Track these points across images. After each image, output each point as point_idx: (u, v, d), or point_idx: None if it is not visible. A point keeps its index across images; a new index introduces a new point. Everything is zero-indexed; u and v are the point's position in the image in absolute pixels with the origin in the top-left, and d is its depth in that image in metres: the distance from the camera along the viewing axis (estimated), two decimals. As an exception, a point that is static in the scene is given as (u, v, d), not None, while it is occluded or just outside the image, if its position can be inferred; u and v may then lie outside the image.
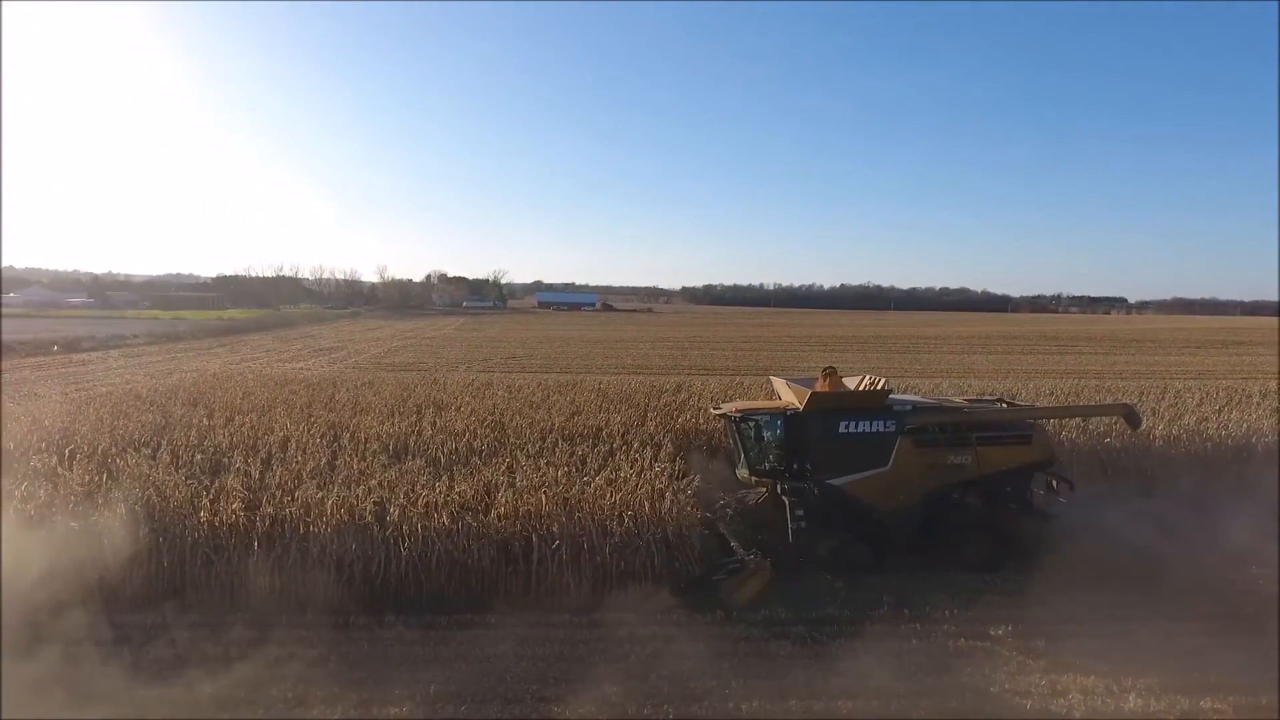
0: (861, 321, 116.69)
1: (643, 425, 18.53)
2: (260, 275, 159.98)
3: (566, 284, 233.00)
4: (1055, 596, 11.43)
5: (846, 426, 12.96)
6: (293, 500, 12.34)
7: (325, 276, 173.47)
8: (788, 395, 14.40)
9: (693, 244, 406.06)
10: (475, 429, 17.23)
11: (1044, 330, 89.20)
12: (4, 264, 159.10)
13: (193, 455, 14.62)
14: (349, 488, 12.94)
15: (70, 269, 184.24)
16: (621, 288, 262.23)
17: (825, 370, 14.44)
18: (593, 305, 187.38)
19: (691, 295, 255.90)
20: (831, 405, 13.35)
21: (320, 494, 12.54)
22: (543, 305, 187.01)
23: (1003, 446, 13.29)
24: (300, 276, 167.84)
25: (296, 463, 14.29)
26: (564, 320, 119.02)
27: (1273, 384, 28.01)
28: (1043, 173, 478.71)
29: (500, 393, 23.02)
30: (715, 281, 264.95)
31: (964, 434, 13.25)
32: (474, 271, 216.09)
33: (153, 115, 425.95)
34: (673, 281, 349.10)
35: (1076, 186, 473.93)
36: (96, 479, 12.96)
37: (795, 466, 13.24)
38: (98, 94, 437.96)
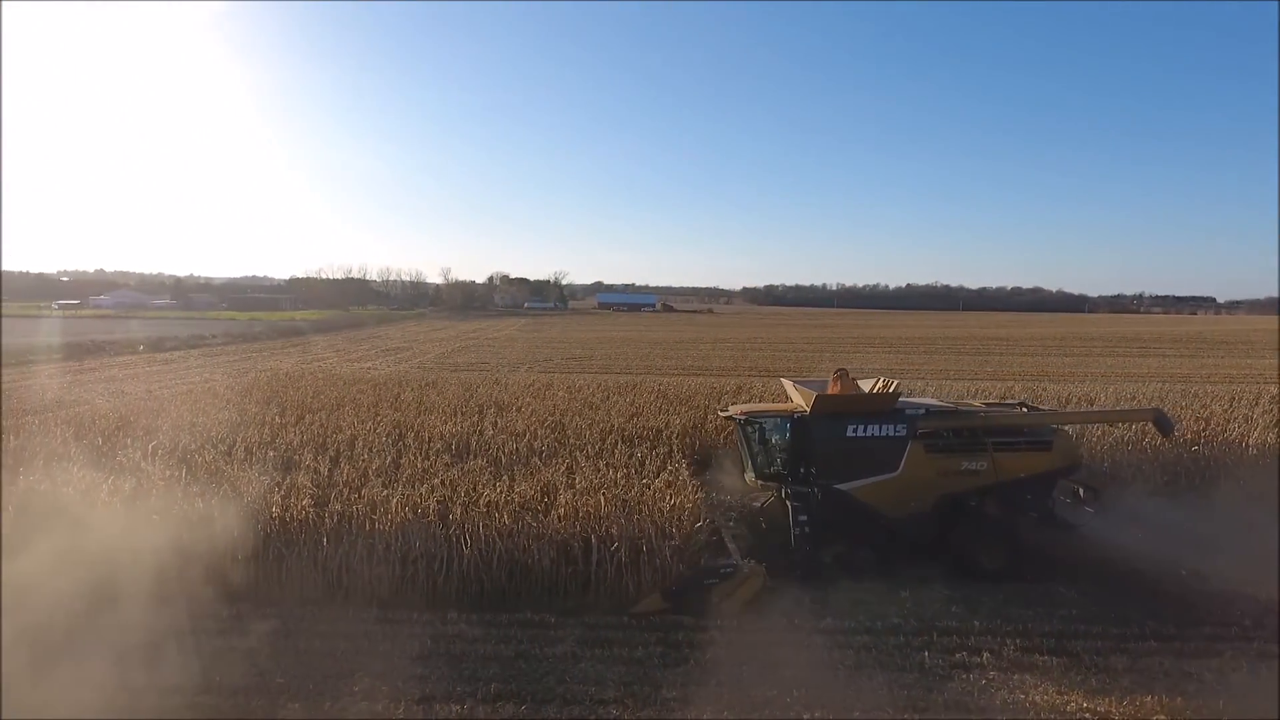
0: (928, 322, 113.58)
1: (702, 428, 18.39)
2: (330, 278, 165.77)
3: (626, 285, 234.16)
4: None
5: (855, 430, 12.67)
6: (359, 497, 12.62)
7: (392, 279, 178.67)
8: (796, 398, 14.08)
9: (753, 244, 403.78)
10: (536, 429, 17.36)
11: (1124, 331, 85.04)
12: (96, 267, 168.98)
13: (265, 452, 15.12)
14: (413, 486, 13.19)
15: (155, 272, 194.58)
16: (681, 288, 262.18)
17: (837, 372, 14.19)
18: (652, 306, 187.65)
19: (752, 296, 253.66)
20: (839, 408, 13.06)
21: (385, 492, 12.80)
22: (603, 306, 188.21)
23: (1020, 453, 12.80)
24: (368, 279, 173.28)
25: (363, 461, 14.66)
26: (624, 321, 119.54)
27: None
28: (1121, 169, 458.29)
29: (560, 393, 23.16)
30: (776, 282, 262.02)
31: (979, 439, 12.82)
32: (535, 273, 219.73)
33: (226, 126, 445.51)
34: (733, 282, 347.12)
35: (1158, 183, 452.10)
36: (176, 473, 13.51)
37: (802, 471, 12.97)
38: (177, 108, 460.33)
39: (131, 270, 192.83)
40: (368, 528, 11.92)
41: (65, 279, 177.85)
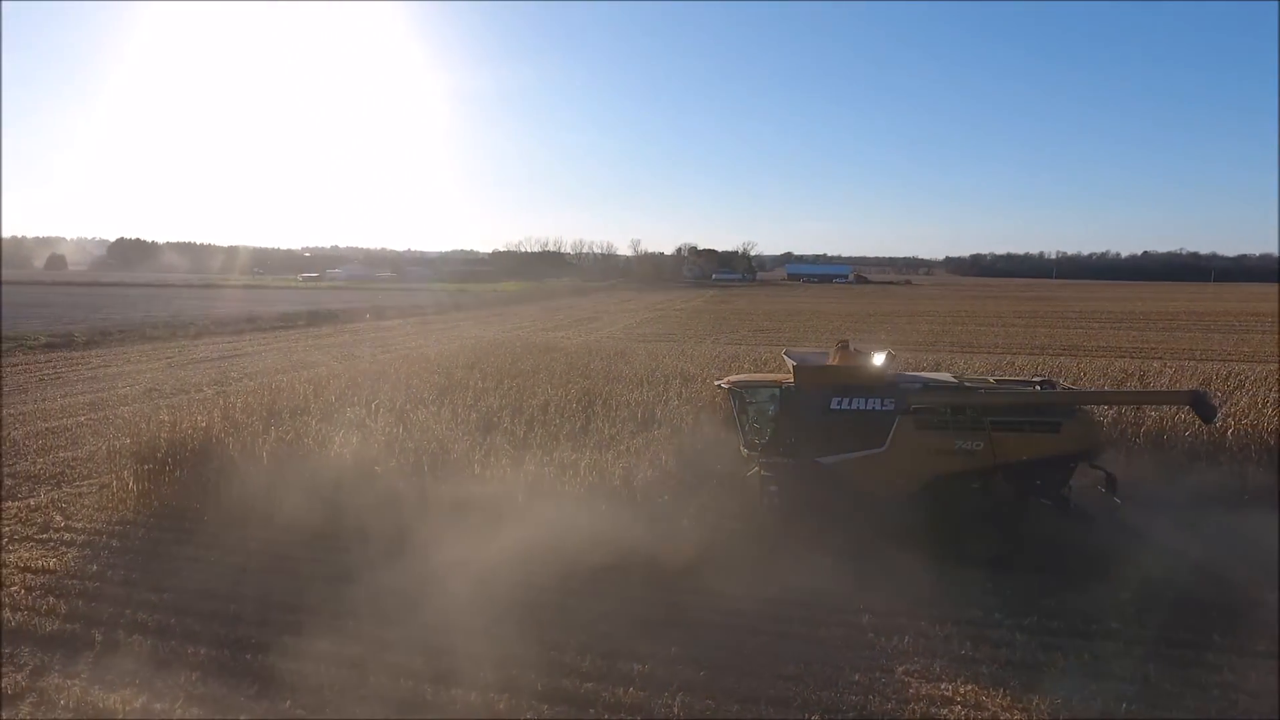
0: (1172, 295, 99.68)
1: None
2: (530, 251, 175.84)
3: (817, 255, 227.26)
4: None
5: (839, 403, 12.01)
6: (551, 460, 13.13)
7: (584, 251, 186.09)
8: (788, 369, 13.06)
9: (957, 210, 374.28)
10: (720, 401, 17.13)
11: None
12: (331, 244, 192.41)
13: (469, 414, 16.15)
14: (599, 451, 13.52)
15: (380, 247, 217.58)
16: (876, 259, 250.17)
17: (839, 344, 13.55)
18: (845, 277, 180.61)
19: (956, 266, 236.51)
20: (823, 380, 12.38)
21: (574, 456, 13.22)
22: (792, 278, 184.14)
23: (1023, 434, 11.58)
24: (563, 251, 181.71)
25: (555, 425, 15.26)
26: (814, 293, 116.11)
27: None
28: None
29: (747, 365, 22.74)
30: (984, 250, 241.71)
31: (976, 418, 11.65)
32: (723, 244, 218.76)
33: (438, 117, 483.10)
34: (934, 251, 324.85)
35: None
36: (394, 430, 14.81)
37: (787, 443, 12.36)
38: (396, 105, 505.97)
39: (360, 246, 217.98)
40: (558, 489, 12.36)
41: (308, 254, 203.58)
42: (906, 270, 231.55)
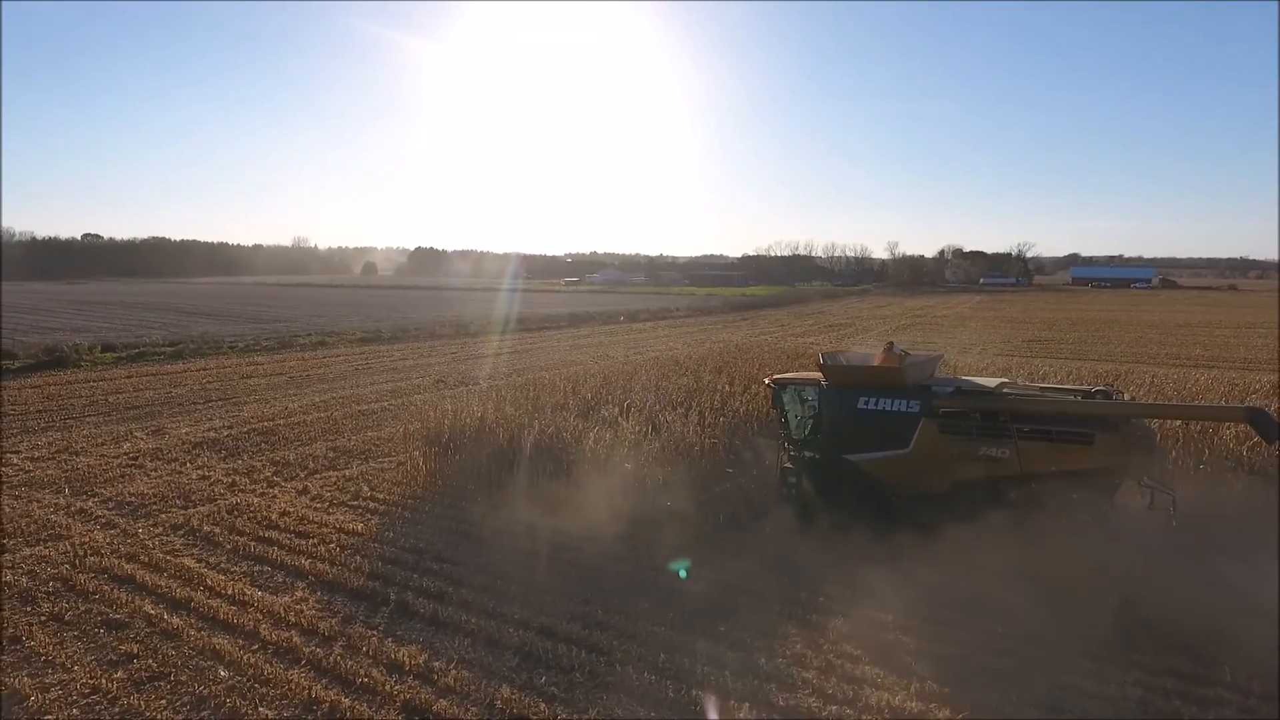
0: None
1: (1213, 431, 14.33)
2: (779, 255, 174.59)
3: (1110, 257, 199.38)
4: None
5: (866, 403, 12.22)
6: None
7: (837, 254, 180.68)
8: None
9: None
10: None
11: None
12: (590, 250, 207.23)
13: (716, 418, 16.25)
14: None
15: (633, 252, 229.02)
16: (1189, 260, 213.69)
17: (885, 345, 13.40)
18: (1147, 281, 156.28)
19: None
20: (850, 380, 12.69)
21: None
22: (1078, 282, 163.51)
23: (1052, 444, 11.01)
24: (814, 255, 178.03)
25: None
26: (1106, 299, 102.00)
27: None
28: None
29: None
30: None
31: (1002, 424, 11.26)
32: (993, 245, 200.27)
33: (687, 125, 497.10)
34: (1269, 251, 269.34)
35: None
36: (644, 430, 15.35)
37: (819, 439, 12.82)
38: (646, 116, 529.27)
39: (616, 251, 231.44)
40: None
41: (569, 260, 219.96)
42: (1230, 273, 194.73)
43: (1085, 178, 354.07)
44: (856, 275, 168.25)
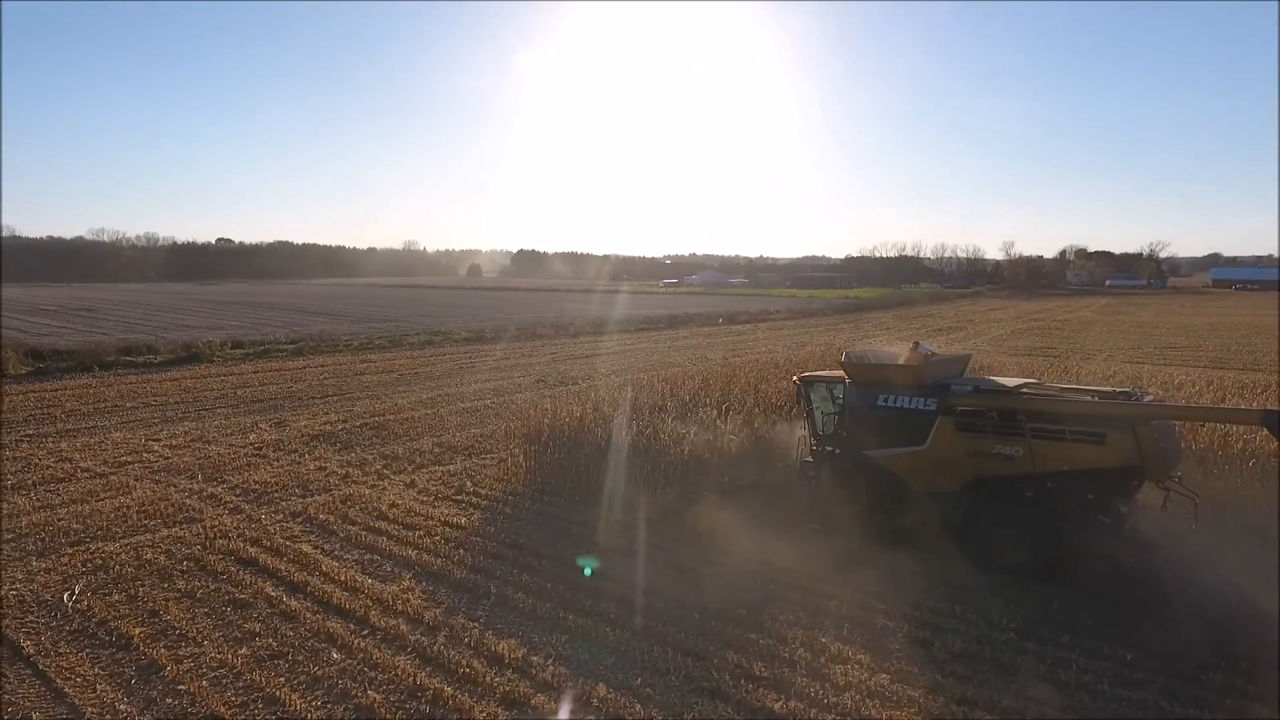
0: None
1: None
2: (884, 256, 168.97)
3: (1259, 257, 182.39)
4: None
5: (885, 400, 12.54)
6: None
7: (947, 255, 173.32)
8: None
9: None
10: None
11: None
12: (690, 251, 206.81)
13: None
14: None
15: (734, 254, 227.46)
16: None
17: (912, 344, 13.60)
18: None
19: None
20: (870, 377, 13.01)
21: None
22: (1219, 284, 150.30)
23: (1063, 443, 11.05)
24: (922, 256, 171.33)
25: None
26: (1253, 303, 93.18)
27: None
28: None
29: (1151, 389, 18.86)
30: None
31: (1016, 423, 11.41)
32: (1121, 245, 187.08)
33: (789, 127, 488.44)
34: None
35: None
36: (742, 433, 15.14)
37: (841, 435, 13.19)
38: (746, 117, 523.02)
39: (715, 253, 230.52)
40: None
41: (668, 262, 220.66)
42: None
43: (1227, 171, 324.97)
44: (968, 277, 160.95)
